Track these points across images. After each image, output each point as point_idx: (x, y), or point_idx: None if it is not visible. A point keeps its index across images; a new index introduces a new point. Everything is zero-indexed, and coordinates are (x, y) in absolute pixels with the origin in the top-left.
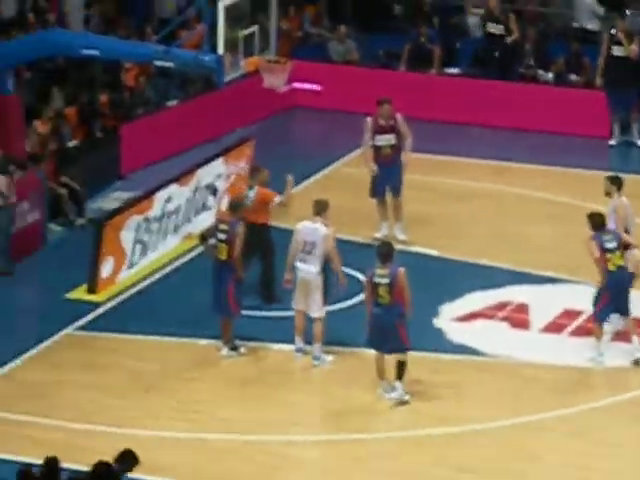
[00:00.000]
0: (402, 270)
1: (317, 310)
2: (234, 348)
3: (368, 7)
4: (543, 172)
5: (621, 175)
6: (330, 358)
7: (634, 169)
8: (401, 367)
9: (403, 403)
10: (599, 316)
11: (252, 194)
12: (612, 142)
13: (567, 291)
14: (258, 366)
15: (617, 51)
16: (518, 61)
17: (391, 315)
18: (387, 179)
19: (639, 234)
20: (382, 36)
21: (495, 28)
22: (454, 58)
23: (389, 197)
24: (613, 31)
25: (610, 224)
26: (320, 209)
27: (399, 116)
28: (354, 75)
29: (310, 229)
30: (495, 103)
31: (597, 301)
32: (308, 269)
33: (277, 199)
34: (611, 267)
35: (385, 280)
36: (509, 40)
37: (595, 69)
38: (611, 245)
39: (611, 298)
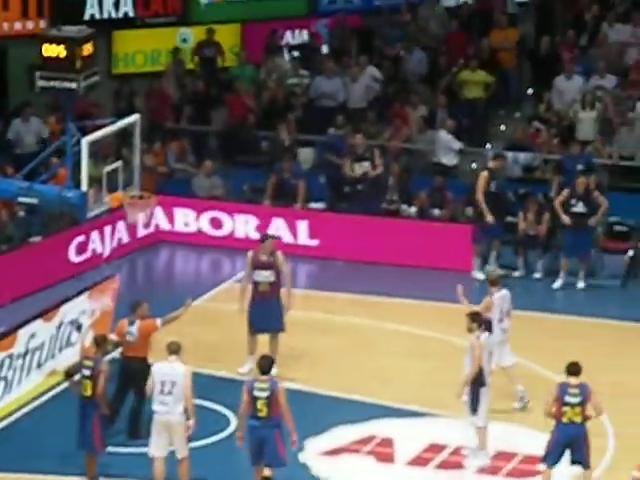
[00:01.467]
0: (282, 387)
1: (182, 450)
2: None
3: (233, 142)
4: (408, 306)
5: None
6: None
7: None
8: None
9: None
10: (545, 461)
11: (134, 329)
12: (478, 276)
13: (432, 425)
14: None
15: (493, 187)
16: (381, 196)
17: (269, 428)
18: (264, 315)
19: None
20: (247, 171)
21: (361, 167)
22: (320, 193)
23: (267, 334)
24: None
25: (466, 360)
26: (174, 349)
27: (279, 254)
28: (219, 209)
29: (167, 368)
30: (359, 237)
31: (546, 449)
32: (171, 410)
33: (159, 323)
34: (564, 420)
35: (264, 394)
36: (373, 175)
37: (457, 203)
38: (573, 400)
39: (556, 448)
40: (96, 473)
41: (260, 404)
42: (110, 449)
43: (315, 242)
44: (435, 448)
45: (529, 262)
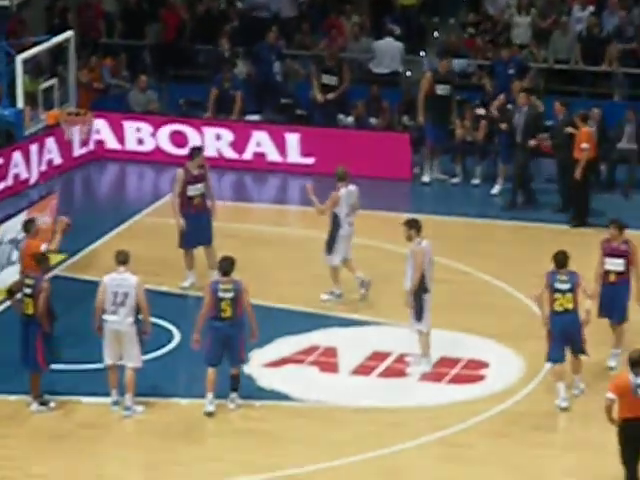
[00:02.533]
0: (245, 286)
1: (133, 360)
2: (44, 403)
3: (167, 56)
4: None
5: (420, 217)
6: (141, 409)
7: (433, 210)
8: (237, 379)
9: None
10: (552, 359)
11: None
12: (426, 179)
13: (375, 333)
14: (70, 420)
15: (440, 90)
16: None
17: (234, 327)
18: (198, 229)
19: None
20: (182, 85)
21: (330, 80)
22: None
23: (201, 247)
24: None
25: (408, 268)
26: (124, 259)
27: (206, 165)
28: (155, 124)
29: (119, 280)
30: (298, 149)
31: (548, 345)
32: (122, 320)
33: (43, 248)
34: (558, 308)
35: (229, 294)
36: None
37: (393, 111)
38: (563, 286)
39: (557, 341)
40: (40, 391)
41: (224, 305)
42: (54, 367)
43: (250, 153)
44: (378, 356)
45: (467, 169)
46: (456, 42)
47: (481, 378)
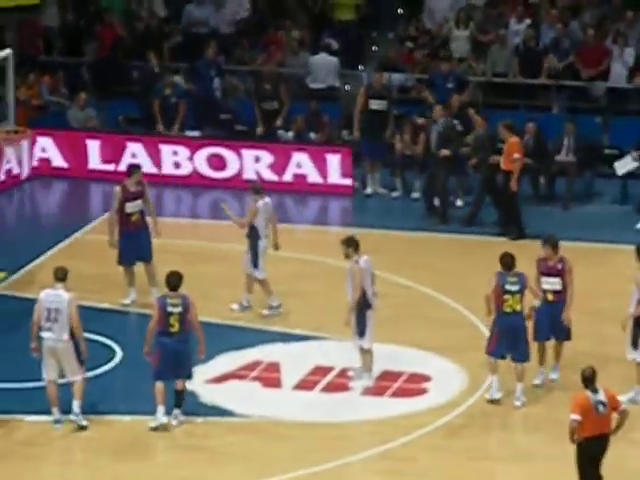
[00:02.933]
0: (193, 301)
1: (75, 373)
2: None
3: (105, 73)
4: (289, 230)
5: (356, 234)
6: (85, 423)
7: (375, 224)
8: (182, 395)
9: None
10: (492, 353)
11: None
12: (368, 191)
13: (317, 348)
14: (11, 439)
15: (374, 105)
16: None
17: (182, 342)
18: (136, 246)
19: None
20: (120, 102)
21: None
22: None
23: (140, 264)
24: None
25: (347, 286)
26: (61, 276)
27: (144, 182)
28: (93, 140)
29: (52, 296)
30: (234, 164)
31: (489, 341)
32: (57, 337)
33: None
34: (507, 309)
35: (177, 309)
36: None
37: (333, 126)
38: (513, 288)
39: (501, 339)
40: None
41: (173, 319)
42: None
43: (189, 169)
44: (321, 371)
45: (407, 182)
46: (395, 56)
47: (423, 391)
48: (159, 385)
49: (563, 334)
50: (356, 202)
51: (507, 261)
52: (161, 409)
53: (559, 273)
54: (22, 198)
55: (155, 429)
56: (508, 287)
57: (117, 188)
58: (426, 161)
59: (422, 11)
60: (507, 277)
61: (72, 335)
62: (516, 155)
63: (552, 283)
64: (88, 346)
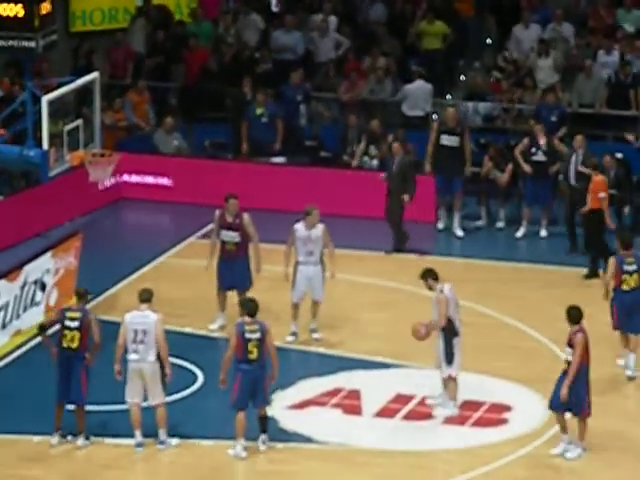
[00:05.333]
0: (269, 327)
1: (158, 397)
2: (88, 437)
3: (193, 98)
4: (372, 258)
5: (436, 264)
6: (176, 442)
7: (459, 253)
8: (266, 420)
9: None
10: (617, 326)
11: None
12: (440, 226)
13: (398, 376)
14: (93, 461)
15: (445, 140)
16: (342, 149)
17: (260, 369)
18: (231, 274)
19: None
20: (208, 127)
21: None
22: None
23: (235, 292)
24: (436, 118)
25: (434, 315)
26: (146, 297)
27: (245, 215)
28: (182, 166)
29: (139, 317)
30: (322, 190)
31: (612, 317)
32: (144, 358)
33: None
34: (625, 287)
35: (256, 335)
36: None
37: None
38: (631, 268)
39: (621, 313)
40: (85, 425)
41: (251, 346)
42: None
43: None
44: (402, 399)
45: (491, 212)
46: (482, 85)
47: (504, 421)
48: (240, 417)
49: None
50: (439, 231)
51: (625, 240)
52: (241, 442)
53: None
54: (106, 220)
55: (242, 459)
56: (626, 267)
57: (217, 212)
58: (510, 190)
59: (509, 41)
60: (625, 258)
61: (158, 357)
62: (602, 194)
63: None
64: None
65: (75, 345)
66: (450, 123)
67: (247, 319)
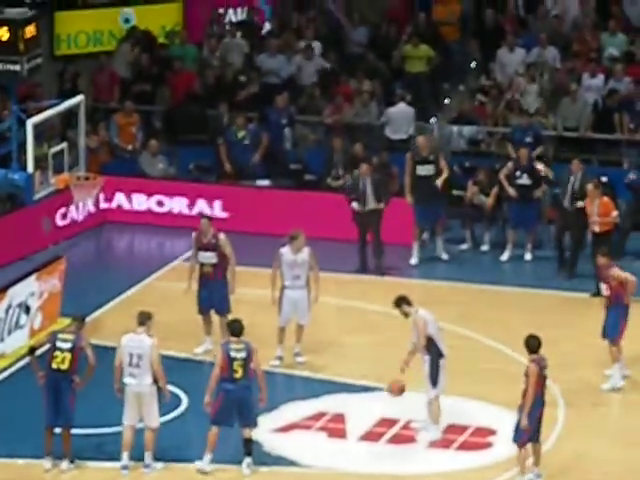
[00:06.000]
0: (256, 347)
1: (154, 420)
2: (72, 461)
3: (177, 121)
4: (352, 281)
5: (428, 283)
6: (160, 465)
7: (443, 276)
8: (251, 443)
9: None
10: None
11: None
12: (412, 262)
13: (382, 399)
14: None
15: (420, 170)
16: (328, 171)
17: (245, 389)
18: (210, 297)
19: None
20: (193, 149)
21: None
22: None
23: (214, 315)
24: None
25: (413, 338)
26: (143, 320)
27: (222, 236)
28: (165, 189)
29: (135, 341)
30: (308, 215)
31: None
32: (140, 382)
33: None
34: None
35: (241, 354)
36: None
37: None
38: (545, 373)
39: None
40: (70, 448)
41: (236, 365)
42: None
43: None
44: (386, 423)
45: (476, 235)
46: (467, 108)
47: (489, 445)
48: (214, 430)
49: None
50: (423, 254)
51: (533, 344)
52: (208, 457)
53: None
54: (89, 243)
55: (203, 473)
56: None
57: (194, 234)
58: (495, 213)
59: (493, 64)
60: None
61: (155, 380)
62: (614, 213)
63: None
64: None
65: (65, 367)
66: (423, 152)
67: (233, 339)
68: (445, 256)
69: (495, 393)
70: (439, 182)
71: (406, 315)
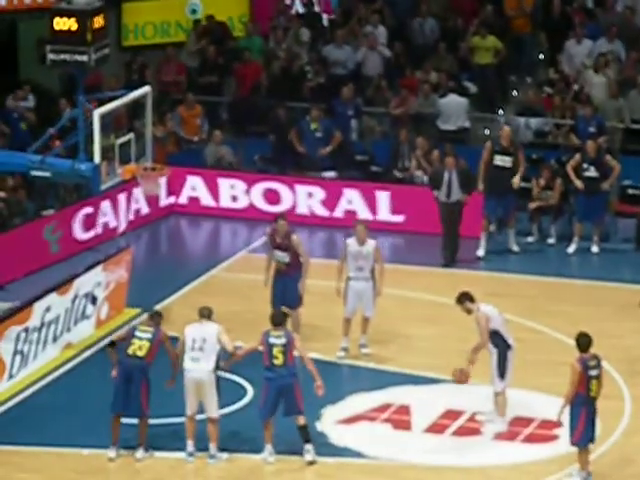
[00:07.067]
0: (297, 335)
1: (214, 410)
2: (147, 449)
3: (244, 112)
4: (421, 273)
5: (488, 280)
6: (226, 456)
7: (510, 269)
8: (306, 430)
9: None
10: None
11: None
12: (479, 253)
13: (448, 391)
14: (143, 475)
15: (499, 161)
16: (394, 163)
17: (287, 378)
18: (282, 291)
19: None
20: (258, 141)
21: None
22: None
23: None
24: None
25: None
26: (207, 314)
27: (294, 237)
28: (230, 179)
29: (198, 327)
30: (373, 204)
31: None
32: (201, 367)
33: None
34: (592, 394)
35: (281, 340)
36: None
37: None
38: (593, 372)
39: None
40: (146, 437)
41: (276, 351)
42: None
43: (327, 211)
44: (452, 414)
45: (543, 227)
46: (534, 100)
47: (554, 438)
48: (268, 424)
49: None
50: (489, 247)
51: (583, 342)
52: (268, 447)
53: None
54: (156, 234)
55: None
56: (591, 372)
57: (267, 230)
58: (561, 207)
59: (561, 56)
60: (588, 361)
61: (216, 367)
62: None
63: None
64: (220, 385)
65: (142, 353)
66: (504, 142)
67: (272, 328)
68: (516, 248)
69: (561, 386)
70: (517, 179)
71: (469, 312)
